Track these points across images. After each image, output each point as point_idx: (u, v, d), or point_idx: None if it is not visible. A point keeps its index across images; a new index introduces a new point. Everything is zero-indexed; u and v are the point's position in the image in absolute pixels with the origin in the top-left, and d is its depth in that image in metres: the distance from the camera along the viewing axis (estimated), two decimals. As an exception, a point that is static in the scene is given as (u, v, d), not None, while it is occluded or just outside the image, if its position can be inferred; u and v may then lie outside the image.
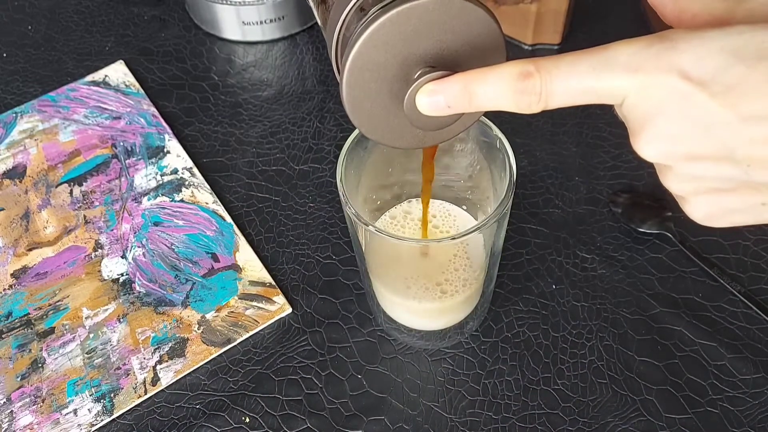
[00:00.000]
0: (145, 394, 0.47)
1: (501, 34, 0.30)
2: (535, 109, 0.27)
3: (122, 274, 0.52)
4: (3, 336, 0.50)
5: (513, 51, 0.64)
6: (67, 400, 0.47)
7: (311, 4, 0.35)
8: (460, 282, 0.43)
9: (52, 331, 0.50)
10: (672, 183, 0.29)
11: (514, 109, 0.28)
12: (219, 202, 0.56)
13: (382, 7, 0.29)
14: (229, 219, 0.55)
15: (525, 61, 0.27)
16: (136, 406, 0.47)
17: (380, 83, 0.30)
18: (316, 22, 0.70)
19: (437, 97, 0.29)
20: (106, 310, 0.51)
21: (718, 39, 0.24)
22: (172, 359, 0.48)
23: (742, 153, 0.25)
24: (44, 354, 0.49)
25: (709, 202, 0.28)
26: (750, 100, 0.24)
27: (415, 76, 0.30)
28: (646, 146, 0.27)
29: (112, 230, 0.55)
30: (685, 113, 0.25)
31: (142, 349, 0.49)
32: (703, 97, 0.25)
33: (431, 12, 0.29)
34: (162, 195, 0.57)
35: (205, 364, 0.48)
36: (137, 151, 0.60)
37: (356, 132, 0.41)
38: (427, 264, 0.43)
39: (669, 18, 0.29)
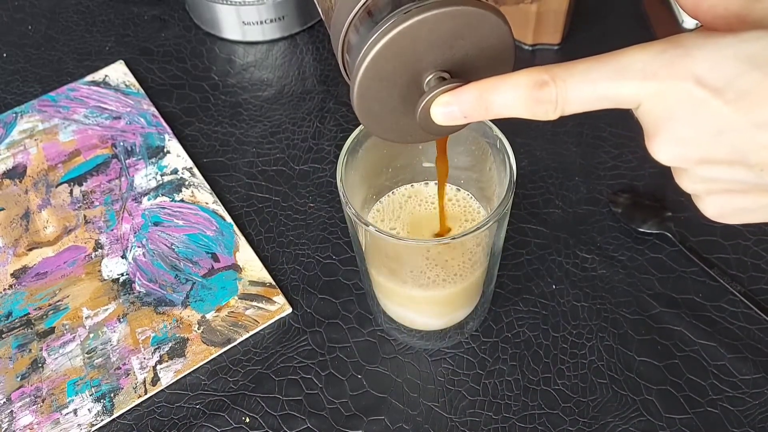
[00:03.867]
0: (145, 394, 0.47)
1: (511, 36, 0.31)
2: (552, 116, 0.28)
3: (122, 274, 0.52)
4: (3, 336, 0.50)
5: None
6: (67, 400, 0.47)
7: None
8: (465, 267, 0.42)
9: (52, 331, 0.50)
10: (686, 183, 0.29)
11: (530, 116, 0.28)
12: (219, 202, 0.56)
13: (394, 19, 0.28)
14: (229, 219, 0.55)
15: (539, 69, 0.27)
16: (136, 406, 0.47)
17: (391, 89, 0.31)
18: (317, 22, 0.70)
19: (452, 108, 0.29)
20: (106, 310, 0.51)
21: (732, 45, 0.25)
22: (172, 359, 0.48)
23: (755, 158, 0.26)
24: (44, 354, 0.49)
25: (722, 202, 0.29)
26: (763, 107, 0.25)
27: (426, 82, 0.30)
28: (660, 150, 0.27)
29: (112, 230, 0.55)
30: (700, 119, 0.26)
31: (142, 349, 0.49)
32: (718, 103, 0.25)
33: (443, 22, 0.28)
34: (162, 195, 0.57)
35: (205, 364, 0.48)
36: (137, 151, 0.60)
37: (356, 132, 0.41)
38: (429, 256, 0.43)
39: (686, 7, 0.29)
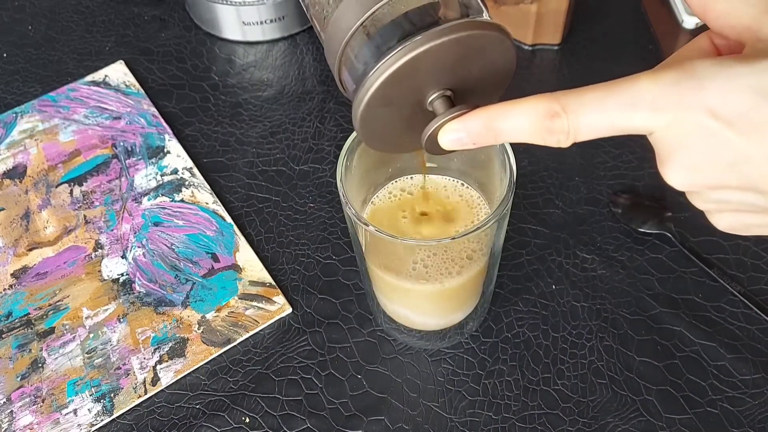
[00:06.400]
0: (145, 394, 0.47)
1: (513, 49, 0.31)
2: (564, 145, 0.28)
3: (122, 274, 0.52)
4: (3, 336, 0.50)
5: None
6: (67, 400, 0.47)
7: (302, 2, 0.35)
8: (465, 266, 0.42)
9: (52, 331, 0.50)
10: (698, 202, 0.30)
11: (541, 144, 0.28)
12: (219, 202, 0.56)
13: (399, 48, 0.28)
14: (229, 219, 0.55)
15: (549, 98, 0.27)
16: (136, 406, 0.47)
17: (394, 111, 0.31)
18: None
19: (460, 135, 0.30)
20: (106, 310, 0.51)
21: (745, 76, 0.25)
22: (172, 359, 0.48)
23: (767, 187, 0.26)
24: (44, 354, 0.49)
25: (733, 219, 0.30)
26: None
27: (429, 101, 0.30)
28: (673, 175, 0.28)
29: (112, 230, 0.55)
30: (713, 148, 0.26)
31: (142, 349, 0.49)
32: (731, 134, 0.25)
33: (449, 48, 0.28)
34: (162, 195, 0.57)
35: (205, 364, 0.48)
36: (137, 151, 0.60)
37: (356, 132, 0.41)
38: (429, 256, 0.43)
39: (695, 9, 0.29)
